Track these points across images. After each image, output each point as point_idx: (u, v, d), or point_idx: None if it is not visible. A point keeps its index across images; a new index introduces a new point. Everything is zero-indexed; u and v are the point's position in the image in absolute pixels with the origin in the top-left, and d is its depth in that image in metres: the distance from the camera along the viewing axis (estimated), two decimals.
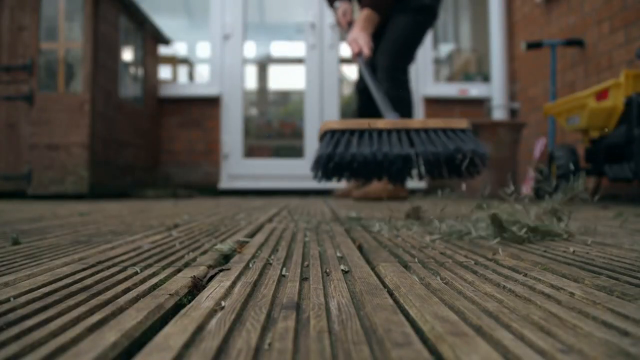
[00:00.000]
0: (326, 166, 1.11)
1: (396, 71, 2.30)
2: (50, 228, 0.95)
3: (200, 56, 4.39)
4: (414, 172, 1.16)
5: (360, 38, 2.00)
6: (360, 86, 2.49)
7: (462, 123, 1.21)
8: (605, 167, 1.92)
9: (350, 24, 2.23)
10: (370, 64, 2.34)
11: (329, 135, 1.18)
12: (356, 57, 2.00)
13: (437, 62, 4.07)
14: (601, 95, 1.88)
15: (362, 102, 2.49)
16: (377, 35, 2.36)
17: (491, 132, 2.66)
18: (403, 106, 2.32)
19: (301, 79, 3.76)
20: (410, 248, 0.66)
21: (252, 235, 0.85)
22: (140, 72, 3.27)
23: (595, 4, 2.48)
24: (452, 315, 0.32)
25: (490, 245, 0.67)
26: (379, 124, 1.19)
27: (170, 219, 1.17)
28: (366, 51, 1.96)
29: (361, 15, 2.10)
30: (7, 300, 0.36)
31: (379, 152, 1.09)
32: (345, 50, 3.78)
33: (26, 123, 2.51)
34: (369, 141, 1.15)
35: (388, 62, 2.29)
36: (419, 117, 3.60)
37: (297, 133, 3.91)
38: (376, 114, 2.26)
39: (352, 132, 1.18)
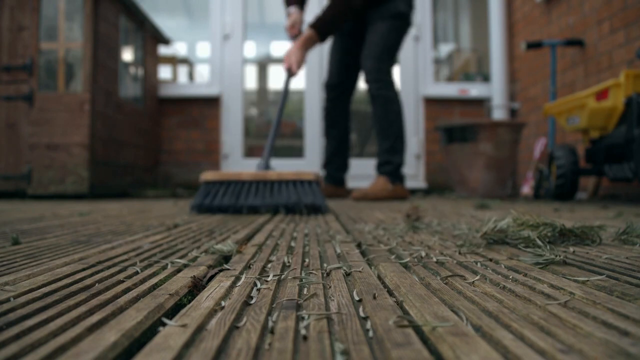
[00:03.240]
0: (199, 211, 1.41)
1: (380, 72, 2.41)
2: (50, 228, 0.95)
3: (200, 56, 4.39)
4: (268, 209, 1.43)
5: (294, 55, 2.08)
6: (331, 82, 2.58)
7: (309, 176, 1.53)
8: (605, 167, 1.92)
9: (296, 35, 2.29)
10: (352, 69, 2.54)
11: (203, 186, 1.50)
12: (287, 72, 2.08)
13: (437, 62, 4.07)
14: (601, 95, 1.88)
15: (330, 102, 2.61)
16: (359, 41, 2.48)
17: (491, 132, 2.66)
18: (391, 105, 2.40)
19: (301, 79, 3.76)
20: (409, 247, 0.66)
21: (252, 235, 0.85)
22: (140, 72, 3.27)
23: (595, 4, 2.48)
24: (452, 315, 0.32)
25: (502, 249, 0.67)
26: (244, 176, 1.50)
27: (170, 219, 1.17)
28: (294, 69, 2.07)
29: (304, 33, 2.15)
30: (7, 300, 0.36)
31: (236, 204, 1.41)
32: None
33: (26, 123, 2.51)
34: (233, 191, 1.47)
35: (372, 65, 2.40)
36: (417, 116, 3.60)
37: (297, 133, 3.91)
38: (341, 114, 2.56)
39: (222, 183, 1.50)
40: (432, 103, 3.61)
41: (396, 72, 3.48)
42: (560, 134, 2.83)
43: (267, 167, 1.76)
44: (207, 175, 1.50)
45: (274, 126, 1.91)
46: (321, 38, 2.19)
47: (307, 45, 2.15)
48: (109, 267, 0.51)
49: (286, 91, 2.04)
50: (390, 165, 2.38)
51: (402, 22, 2.44)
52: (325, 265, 0.53)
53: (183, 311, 0.33)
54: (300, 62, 2.10)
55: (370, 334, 0.29)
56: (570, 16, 2.72)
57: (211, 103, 3.62)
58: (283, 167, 3.64)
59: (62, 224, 1.03)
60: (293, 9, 2.34)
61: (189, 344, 0.27)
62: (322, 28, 2.17)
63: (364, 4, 2.30)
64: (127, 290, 0.40)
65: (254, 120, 4.29)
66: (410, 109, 3.52)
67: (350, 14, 2.26)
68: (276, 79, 4.52)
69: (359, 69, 2.57)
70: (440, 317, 0.31)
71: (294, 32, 2.32)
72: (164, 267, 0.52)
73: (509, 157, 2.72)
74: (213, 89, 3.60)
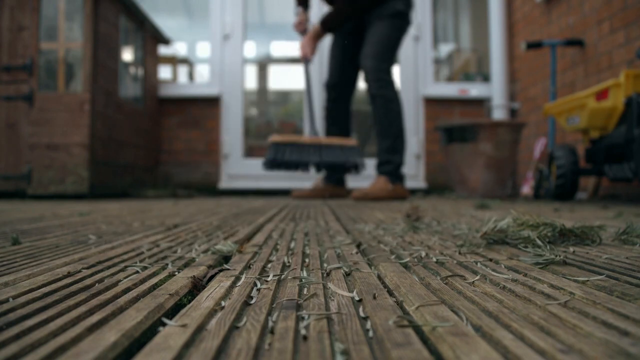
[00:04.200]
0: (272, 165, 2.00)
1: (380, 71, 2.43)
2: (50, 228, 0.95)
3: (200, 56, 4.38)
4: (322, 169, 2.11)
5: (307, 46, 2.56)
6: (332, 82, 2.67)
7: (352, 142, 2.27)
8: (605, 167, 1.92)
9: (304, 31, 2.69)
10: (353, 69, 2.70)
11: (274, 145, 2.09)
12: (303, 59, 2.60)
13: (437, 62, 4.07)
14: (601, 95, 1.88)
15: (331, 102, 2.71)
16: (359, 41, 2.50)
17: (491, 132, 2.66)
18: (391, 104, 2.40)
19: (301, 79, 3.76)
20: (409, 247, 0.66)
21: (252, 235, 0.85)
22: (140, 72, 3.27)
23: (595, 4, 2.48)
24: (452, 315, 0.32)
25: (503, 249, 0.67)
26: (304, 139, 2.14)
27: (170, 219, 1.17)
28: (309, 55, 2.57)
29: (313, 28, 2.56)
30: (7, 300, 0.36)
31: (301, 160, 2.02)
32: None
33: (26, 123, 2.51)
34: (297, 150, 2.06)
35: (372, 64, 2.44)
36: (417, 116, 3.60)
37: (297, 133, 3.91)
38: (342, 114, 2.78)
39: (287, 144, 2.08)
40: (432, 103, 3.61)
41: (396, 72, 3.48)
42: (560, 134, 2.83)
43: (316, 134, 2.35)
44: (276, 138, 2.08)
45: (309, 105, 2.59)
46: (325, 32, 2.57)
47: (315, 38, 2.57)
48: (109, 267, 0.51)
49: (308, 76, 2.64)
50: (390, 165, 2.38)
51: (401, 21, 2.46)
52: (325, 265, 0.53)
53: (183, 311, 0.33)
54: (313, 50, 2.56)
55: (370, 334, 0.29)
56: (570, 16, 2.72)
57: (211, 103, 3.62)
58: None
59: (62, 224, 1.03)
60: (299, 10, 2.69)
61: (189, 344, 0.27)
62: (326, 24, 2.53)
63: (364, 5, 2.45)
64: (127, 290, 0.40)
65: (254, 120, 4.28)
66: (410, 109, 3.52)
67: (352, 13, 2.50)
68: (276, 79, 4.52)
69: (359, 69, 2.58)
70: (440, 317, 0.31)
71: (301, 28, 2.69)
72: (164, 267, 0.52)
73: (509, 157, 2.72)
74: (213, 89, 3.60)
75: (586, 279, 0.43)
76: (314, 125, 2.48)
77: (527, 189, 2.99)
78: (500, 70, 3.45)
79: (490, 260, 0.55)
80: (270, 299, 0.38)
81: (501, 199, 2.41)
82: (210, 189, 3.58)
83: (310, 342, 0.27)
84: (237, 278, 0.46)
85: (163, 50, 3.73)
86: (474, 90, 3.58)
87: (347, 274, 0.48)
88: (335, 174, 2.02)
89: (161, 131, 3.60)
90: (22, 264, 0.53)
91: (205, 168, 3.61)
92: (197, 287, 0.43)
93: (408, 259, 0.56)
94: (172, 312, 0.35)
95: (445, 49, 4.25)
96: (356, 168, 2.00)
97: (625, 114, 1.79)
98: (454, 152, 2.81)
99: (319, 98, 3.66)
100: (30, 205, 1.87)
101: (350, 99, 2.69)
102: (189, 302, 0.38)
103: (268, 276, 0.47)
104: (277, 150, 2.01)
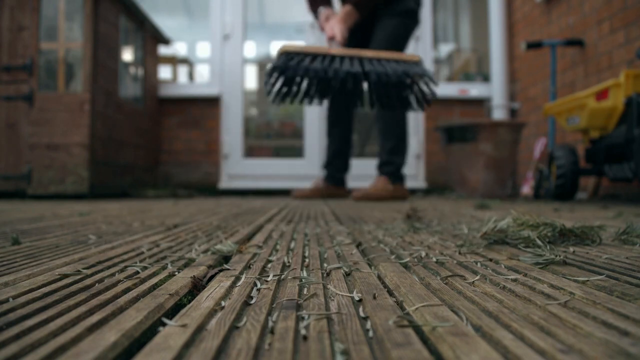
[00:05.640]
0: (279, 78, 1.19)
1: None
2: (50, 228, 0.95)
3: (200, 56, 4.39)
4: (366, 97, 1.22)
5: (337, 27, 2.10)
6: None
7: (414, 57, 1.38)
8: (605, 167, 1.92)
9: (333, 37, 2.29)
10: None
11: (284, 56, 1.29)
12: (330, 40, 2.09)
13: (437, 62, 4.07)
14: (601, 95, 1.88)
15: (334, 102, 2.56)
16: (366, 38, 2.45)
17: (491, 132, 2.65)
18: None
19: None
20: (409, 247, 0.66)
21: (252, 235, 0.85)
22: (140, 72, 3.27)
23: (595, 4, 2.48)
24: (452, 315, 0.32)
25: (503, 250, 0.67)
26: (334, 50, 1.31)
27: (170, 219, 1.17)
28: (339, 38, 2.06)
29: (343, 9, 2.18)
30: (7, 300, 0.36)
31: (329, 69, 1.19)
32: None
33: (26, 123, 2.51)
34: (322, 62, 1.26)
35: None
36: (417, 116, 3.60)
37: (297, 133, 3.91)
38: (345, 113, 2.50)
39: (307, 55, 1.29)
40: (432, 103, 3.60)
41: None
42: (560, 134, 2.83)
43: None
44: (289, 47, 1.29)
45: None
46: (360, 13, 2.19)
47: (347, 20, 2.17)
48: (109, 267, 0.51)
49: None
50: (392, 166, 2.38)
51: (410, 20, 2.41)
52: (325, 265, 0.53)
53: (183, 311, 0.33)
54: (344, 34, 2.10)
55: (370, 334, 0.29)
56: (570, 16, 2.72)
57: (211, 103, 3.62)
58: (283, 166, 3.64)
59: (62, 224, 1.03)
60: (322, 8, 2.35)
61: (189, 344, 0.27)
62: (359, 5, 2.17)
63: None
64: (127, 290, 0.40)
65: (254, 120, 4.28)
66: None
67: None
68: None
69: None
70: (440, 317, 0.31)
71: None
72: (164, 267, 0.52)
73: (509, 157, 2.72)
74: (213, 89, 3.60)
75: (586, 279, 0.43)
76: None
77: (527, 189, 2.99)
78: (500, 70, 3.45)
79: (490, 260, 0.55)
80: (270, 299, 0.38)
81: (501, 199, 2.41)
82: (210, 189, 3.58)
83: (310, 342, 0.27)
84: (237, 278, 0.46)
85: (163, 50, 3.73)
86: (474, 90, 3.58)
87: (347, 274, 0.48)
88: (389, 101, 1.26)
89: (161, 131, 3.60)
90: (22, 264, 0.53)
91: (205, 168, 3.61)
92: (197, 287, 0.43)
93: (408, 259, 0.56)
94: (172, 312, 0.35)
95: (445, 49, 4.25)
96: (426, 86, 1.20)
97: (625, 114, 1.79)
98: (454, 152, 2.81)
99: None
100: (30, 205, 1.87)
101: None
102: (189, 302, 0.38)
103: (268, 276, 0.47)
104: (291, 59, 1.28)
